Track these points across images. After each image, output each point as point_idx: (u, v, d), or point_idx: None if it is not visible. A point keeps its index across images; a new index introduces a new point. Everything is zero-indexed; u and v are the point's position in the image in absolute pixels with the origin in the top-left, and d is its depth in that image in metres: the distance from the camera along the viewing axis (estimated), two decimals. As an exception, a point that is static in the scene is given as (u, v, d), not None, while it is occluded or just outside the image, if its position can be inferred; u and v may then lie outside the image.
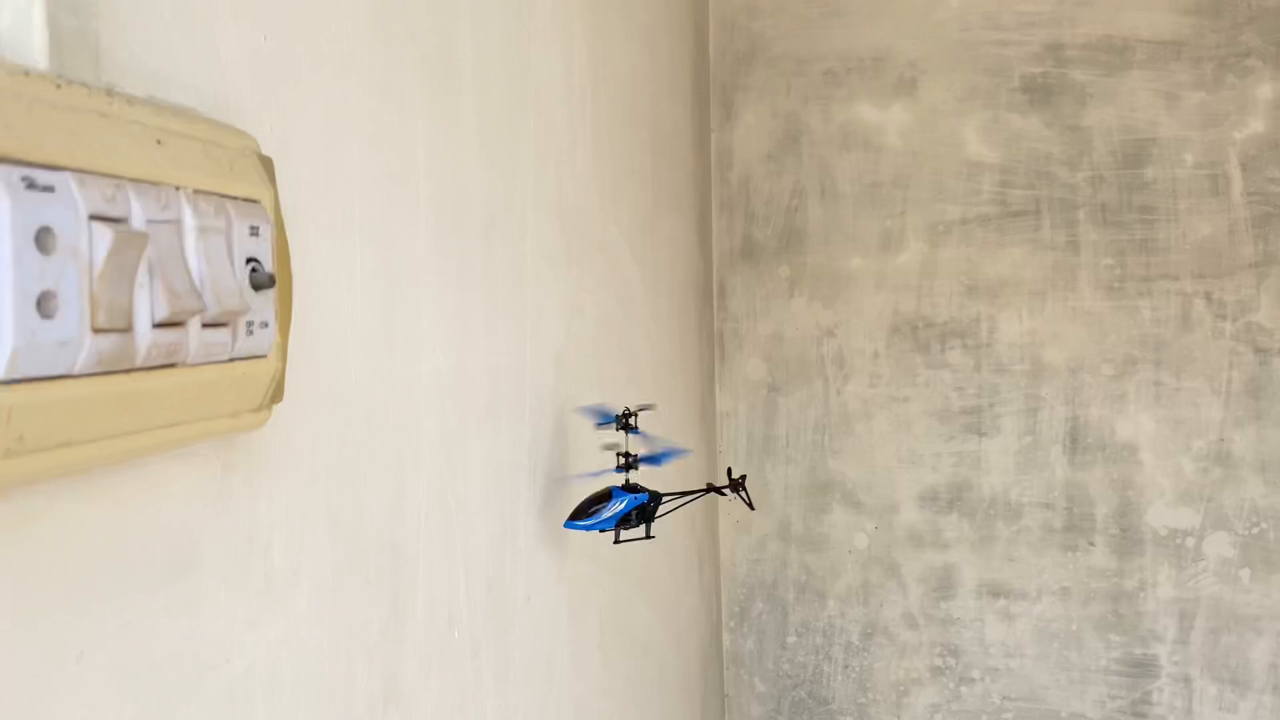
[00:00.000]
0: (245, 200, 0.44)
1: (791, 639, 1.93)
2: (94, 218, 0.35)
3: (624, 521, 1.01)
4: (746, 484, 1.18)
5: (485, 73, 0.86)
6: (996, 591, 1.85)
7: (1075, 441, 1.82)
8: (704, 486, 1.15)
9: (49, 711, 0.40)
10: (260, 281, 0.43)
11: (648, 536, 1.05)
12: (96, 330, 0.35)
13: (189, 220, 0.40)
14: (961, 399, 1.86)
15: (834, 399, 1.90)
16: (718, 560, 1.93)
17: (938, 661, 1.88)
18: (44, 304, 0.33)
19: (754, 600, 1.94)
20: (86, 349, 0.34)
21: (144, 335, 0.37)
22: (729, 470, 1.17)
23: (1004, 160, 1.84)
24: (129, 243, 0.36)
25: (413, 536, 0.71)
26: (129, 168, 0.37)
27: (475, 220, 0.84)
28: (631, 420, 1.04)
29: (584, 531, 1.02)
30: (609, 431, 1.05)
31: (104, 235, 0.35)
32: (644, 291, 1.44)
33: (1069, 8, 1.80)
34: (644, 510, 1.02)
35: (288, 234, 0.51)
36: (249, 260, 0.43)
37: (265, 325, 0.45)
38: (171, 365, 0.39)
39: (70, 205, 0.34)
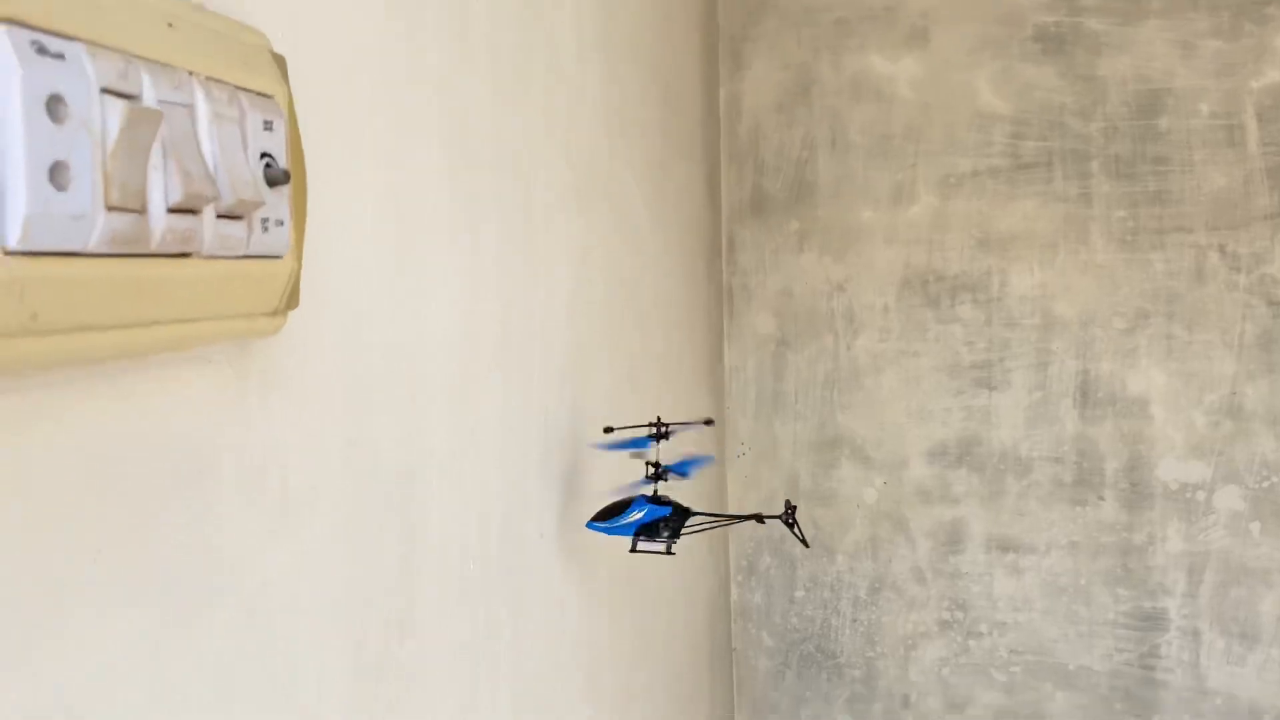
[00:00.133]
0: (259, 94, 0.43)
1: (799, 593, 1.93)
2: (106, 91, 0.34)
3: (647, 531, 0.99)
4: (797, 515, 1.08)
5: (497, 9, 0.84)
6: (1005, 546, 1.85)
7: (1086, 395, 1.81)
8: (750, 514, 1.10)
9: (68, 609, 0.39)
10: (275, 177, 0.42)
11: (667, 552, 1.03)
12: (110, 208, 0.34)
13: (202, 105, 0.38)
14: (972, 353, 1.85)
15: (843, 354, 1.89)
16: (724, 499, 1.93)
17: (946, 615, 1.88)
18: (56, 175, 0.32)
19: (761, 554, 1.94)
20: (100, 226, 0.33)
21: (158, 219, 0.36)
22: (786, 502, 1.10)
23: (1016, 111, 1.81)
24: (142, 119, 0.34)
25: (427, 468, 0.71)
26: (140, 46, 0.36)
27: (485, 154, 0.82)
28: (664, 430, 1.02)
29: (604, 534, 1.00)
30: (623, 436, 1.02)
31: (116, 109, 0.34)
32: (654, 243, 1.43)
33: (1084, -46, 1.77)
34: (667, 523, 1.00)
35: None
36: (263, 155, 0.42)
37: (281, 224, 0.43)
38: (186, 255, 0.38)
39: (81, 75, 0.33)
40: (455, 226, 0.76)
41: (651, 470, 1.01)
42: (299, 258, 0.46)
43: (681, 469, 1.03)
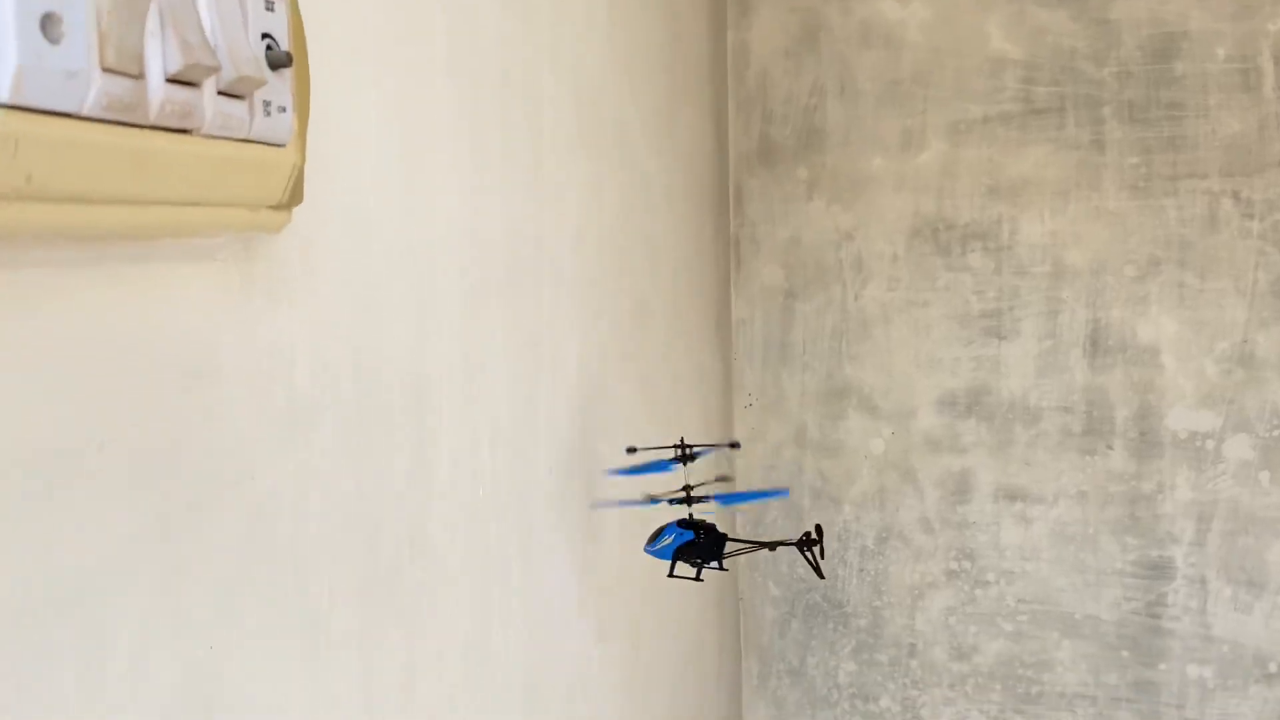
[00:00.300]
0: (258, -26, 0.41)
1: (807, 544, 1.93)
2: (99, -54, 0.32)
3: (685, 553, 0.98)
4: (823, 539, 1.01)
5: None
6: (1013, 495, 1.85)
7: (1096, 344, 1.80)
8: (778, 541, 1.06)
9: (73, 499, 0.39)
10: (277, 59, 0.41)
11: (697, 579, 1.01)
12: (106, 70, 0.33)
13: (200, -25, 0.37)
14: (981, 302, 1.83)
15: (852, 304, 1.88)
16: (733, 466, 1.92)
17: (953, 565, 1.88)
18: (49, 27, 0.30)
19: (768, 506, 1.94)
20: (96, 87, 0.32)
21: (156, 89, 0.35)
22: (817, 527, 1.05)
23: (1028, 56, 1.79)
24: (138, -22, 0.33)
25: (435, 386, 0.70)
26: (135, -92, 0.35)
27: (491, 74, 0.81)
28: (689, 451, 0.99)
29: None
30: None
31: (111, -34, 0.32)
32: (661, 185, 1.41)
33: (1099, -107, 1.74)
34: (700, 548, 0.98)
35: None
36: (264, 36, 0.41)
37: (283, 110, 0.42)
38: (186, 131, 0.37)
39: (73, -74, 0.31)
40: (460, 141, 0.75)
41: (683, 494, 0.99)
42: (302, 151, 0.45)
43: (729, 500, 1.01)
